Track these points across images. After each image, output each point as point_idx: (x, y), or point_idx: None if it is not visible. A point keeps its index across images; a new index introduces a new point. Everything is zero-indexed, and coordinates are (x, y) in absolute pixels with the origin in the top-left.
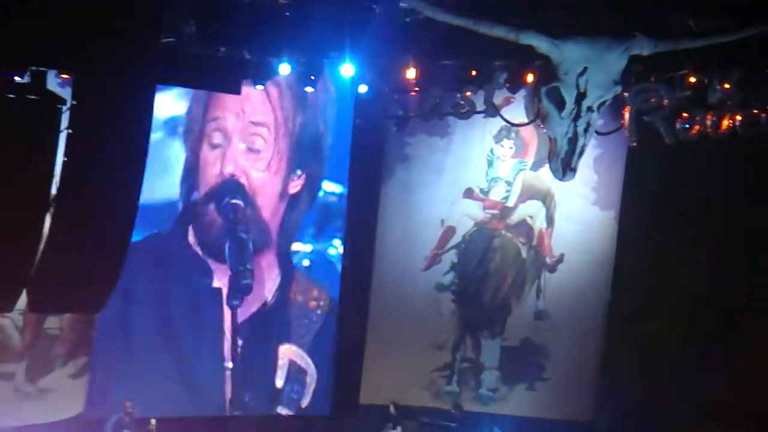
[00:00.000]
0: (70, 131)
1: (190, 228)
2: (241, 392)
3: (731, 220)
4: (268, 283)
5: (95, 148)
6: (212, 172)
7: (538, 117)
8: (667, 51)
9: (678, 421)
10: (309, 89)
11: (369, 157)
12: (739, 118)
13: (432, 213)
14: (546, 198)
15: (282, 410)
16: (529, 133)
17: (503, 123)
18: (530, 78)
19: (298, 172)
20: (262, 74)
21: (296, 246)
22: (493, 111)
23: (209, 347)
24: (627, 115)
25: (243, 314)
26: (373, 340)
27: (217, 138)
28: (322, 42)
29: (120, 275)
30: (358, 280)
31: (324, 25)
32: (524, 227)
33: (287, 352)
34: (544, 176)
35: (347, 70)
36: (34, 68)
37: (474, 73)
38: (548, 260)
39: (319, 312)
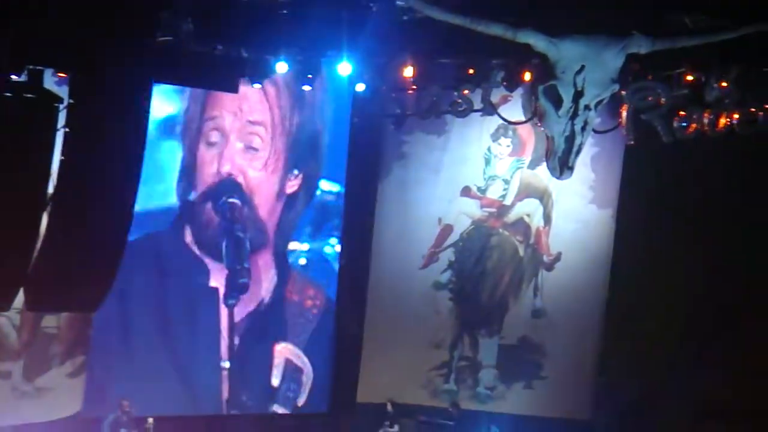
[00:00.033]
0: (67, 130)
1: (187, 227)
2: (238, 391)
3: (728, 218)
4: (265, 282)
5: (92, 147)
6: (209, 171)
7: (535, 115)
8: (665, 49)
9: (675, 420)
10: (306, 88)
11: (366, 156)
12: (736, 116)
13: (429, 211)
14: (543, 196)
15: (278, 409)
16: (527, 132)
17: (500, 121)
18: (527, 76)
19: (295, 171)
20: (259, 73)
21: (293, 245)
22: (490, 109)
23: (206, 346)
24: (624, 114)
25: (239, 313)
26: (371, 338)
27: (214, 137)
28: (319, 40)
29: (117, 274)
30: (356, 279)
31: (321, 23)
32: (522, 225)
33: (283, 351)
34: (542, 174)
35: (344, 68)
36: (31, 67)
37: (471, 71)
38: (546, 258)
39: (315, 311)
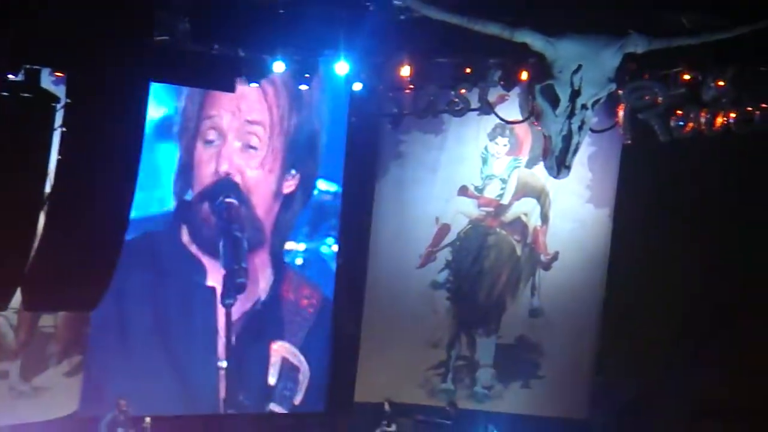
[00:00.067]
0: (64, 129)
1: (184, 226)
2: (235, 390)
3: (725, 217)
4: (262, 281)
5: (89, 147)
6: (207, 171)
7: (532, 115)
8: (662, 49)
9: (672, 419)
10: (303, 87)
11: (363, 155)
12: (733, 115)
13: (426, 211)
14: (540, 196)
15: (275, 407)
16: (524, 131)
17: (498, 121)
18: (524, 76)
19: (293, 171)
20: (256, 72)
21: (290, 245)
22: (487, 109)
23: (203, 346)
24: (621, 113)
25: (236, 312)
26: (368, 337)
27: (211, 136)
28: (316, 40)
29: (114, 273)
30: (353, 278)
31: (318, 22)
32: (519, 225)
33: (280, 350)
34: (539, 174)
35: (342, 68)
36: (28, 66)
37: (468, 70)
38: (543, 258)
39: (311, 310)
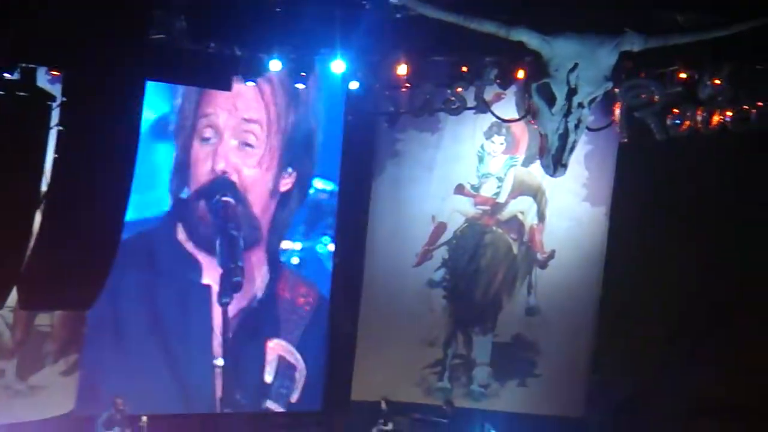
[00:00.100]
0: (60, 128)
1: (180, 225)
2: (232, 389)
3: (722, 216)
4: (258, 279)
5: (85, 145)
6: (203, 169)
7: (528, 113)
8: (658, 47)
9: (669, 417)
10: (300, 86)
11: (360, 154)
12: (729, 113)
13: (423, 209)
14: (537, 194)
15: (271, 405)
16: (520, 130)
17: (494, 119)
18: (521, 74)
19: (289, 170)
20: (252, 71)
21: (286, 244)
22: (483, 107)
23: (199, 344)
24: (618, 111)
25: (232, 310)
26: (365, 336)
27: (208, 134)
28: (312, 38)
29: (110, 272)
30: (349, 277)
31: (314, 21)
32: (515, 223)
33: (276, 348)
34: (535, 172)
35: (338, 66)
36: (24, 65)
37: (465, 69)
38: (539, 256)
39: (307, 308)
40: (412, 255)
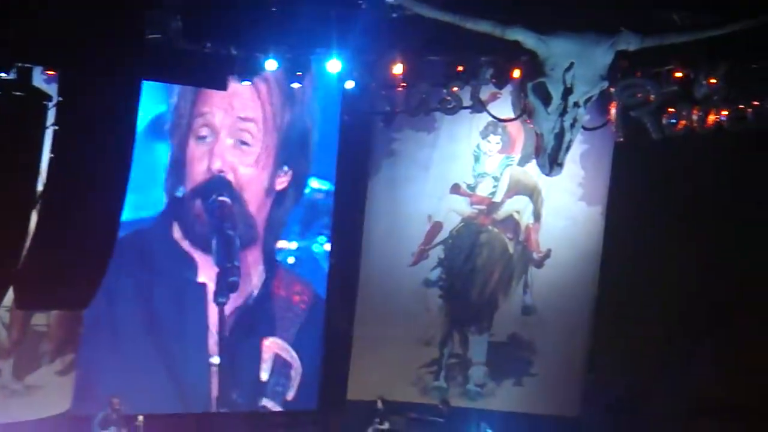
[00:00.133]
0: (56, 128)
1: (175, 223)
2: (228, 387)
3: (718, 215)
4: (254, 277)
5: (82, 145)
6: (199, 168)
7: (524, 112)
8: (654, 46)
9: (669, 417)
10: (296, 85)
11: (356, 153)
12: (725, 113)
13: (419, 209)
14: (533, 193)
15: (267, 402)
16: (516, 129)
17: (490, 118)
18: (517, 73)
19: (285, 168)
20: (248, 70)
21: (282, 243)
22: (479, 106)
23: (195, 343)
24: (613, 111)
25: (228, 308)
26: (361, 336)
27: (204, 132)
28: (308, 38)
29: (106, 271)
30: (346, 277)
31: (310, 20)
32: (511, 223)
33: (272, 346)
34: (531, 172)
35: (334, 66)
36: (19, 64)
37: (460, 68)
38: (535, 255)
39: (303, 306)
40: (408, 254)
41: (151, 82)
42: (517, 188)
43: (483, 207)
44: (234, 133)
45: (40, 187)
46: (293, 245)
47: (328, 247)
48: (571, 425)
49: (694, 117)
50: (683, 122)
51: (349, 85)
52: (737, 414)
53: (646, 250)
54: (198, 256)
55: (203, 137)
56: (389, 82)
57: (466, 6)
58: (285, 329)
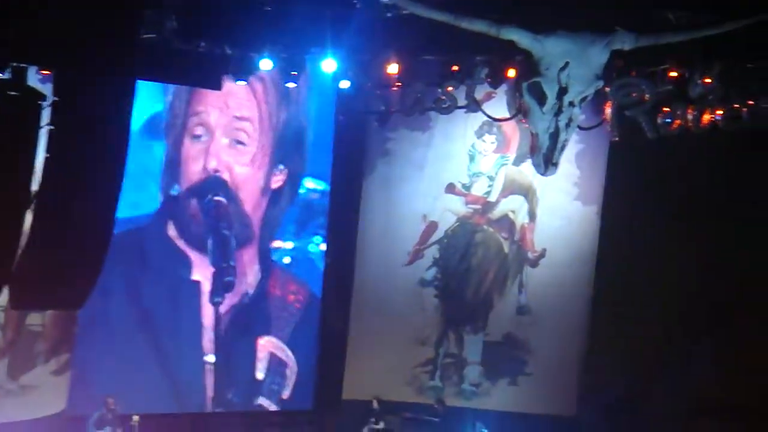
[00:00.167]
0: (51, 127)
1: (171, 221)
2: (223, 386)
3: (713, 214)
4: (249, 277)
5: (76, 145)
6: (195, 168)
7: (519, 112)
8: (649, 46)
9: (669, 417)
10: (291, 85)
11: (351, 153)
12: (720, 112)
13: (414, 208)
14: (528, 193)
15: (263, 401)
16: (511, 128)
17: (485, 118)
18: (512, 73)
19: (281, 167)
20: (243, 70)
21: (277, 243)
22: (474, 106)
23: (191, 343)
24: (608, 110)
25: (223, 306)
26: (356, 335)
27: (199, 131)
28: (303, 37)
29: (101, 271)
30: (341, 276)
31: (305, 20)
32: (506, 222)
33: (267, 345)
34: (526, 171)
35: (329, 65)
36: (14, 64)
37: (455, 68)
38: (530, 255)
39: (298, 305)
40: (403, 254)
41: (146, 82)
42: (512, 188)
43: (478, 206)
44: (229, 132)
45: (35, 187)
46: (289, 245)
47: (323, 246)
48: (567, 424)
49: (689, 116)
50: (678, 122)
51: (344, 84)
52: (737, 414)
53: (641, 250)
54: (194, 255)
55: (198, 136)
56: (384, 82)
57: (461, 5)
58: (280, 328)
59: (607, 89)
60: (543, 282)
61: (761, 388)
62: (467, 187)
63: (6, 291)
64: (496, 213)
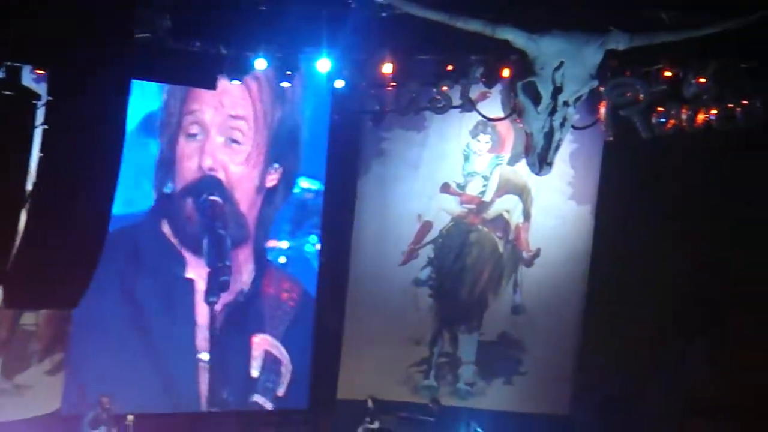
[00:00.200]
0: (45, 127)
1: (165, 220)
2: (219, 385)
3: (707, 214)
4: (244, 275)
5: (70, 144)
6: (190, 166)
7: (514, 112)
8: (643, 45)
9: (664, 417)
10: (285, 85)
11: (345, 153)
12: (714, 112)
13: (409, 208)
14: (523, 192)
15: (258, 399)
16: (506, 128)
17: (479, 118)
18: (506, 73)
19: (275, 165)
20: (238, 69)
21: (272, 243)
22: (469, 106)
23: (186, 341)
24: (603, 110)
25: (218, 306)
26: (351, 335)
27: (194, 131)
28: (298, 37)
29: (95, 270)
30: (335, 276)
31: (300, 20)
32: (501, 222)
33: (262, 343)
34: (521, 171)
35: (323, 65)
36: (8, 63)
37: (450, 67)
38: (525, 255)
39: (291, 303)
40: (398, 254)
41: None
42: (506, 187)
43: (473, 206)
44: (225, 131)
45: (29, 187)
46: (284, 244)
47: (319, 246)
48: (562, 423)
49: (684, 116)
50: (672, 121)
51: (339, 84)
52: (731, 413)
53: (635, 249)
54: (189, 255)
55: (194, 135)
56: (379, 81)
57: (455, 5)
58: (274, 327)
59: (602, 89)
60: (537, 281)
61: (755, 387)
62: (462, 187)
63: (0, 290)
64: (491, 213)
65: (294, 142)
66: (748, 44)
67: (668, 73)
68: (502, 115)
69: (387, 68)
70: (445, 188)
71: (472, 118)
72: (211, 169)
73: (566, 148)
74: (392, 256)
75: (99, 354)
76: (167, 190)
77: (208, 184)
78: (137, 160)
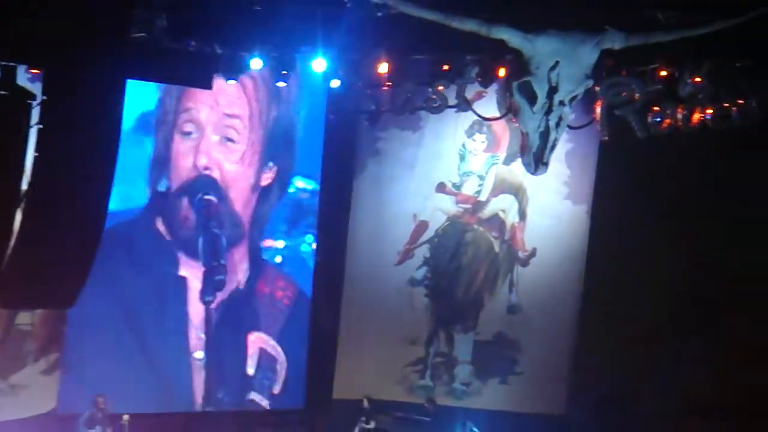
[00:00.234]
0: (40, 127)
1: (159, 219)
2: (215, 384)
3: (703, 213)
4: (239, 274)
5: (66, 144)
6: (185, 165)
7: (510, 111)
8: (639, 45)
9: (659, 416)
10: (281, 84)
11: (341, 153)
12: (709, 111)
13: (404, 208)
14: (518, 192)
15: (254, 396)
16: (501, 128)
17: (475, 117)
18: (502, 72)
19: (270, 164)
20: (233, 69)
21: (268, 242)
22: (465, 105)
23: (181, 340)
24: (598, 109)
25: (213, 304)
26: (347, 335)
27: (189, 129)
28: (293, 37)
29: (91, 270)
30: (331, 276)
31: (295, 19)
32: (497, 221)
33: (257, 341)
34: (517, 170)
35: (319, 64)
36: (3, 63)
37: (446, 67)
38: (521, 254)
39: (286, 301)
40: (393, 253)
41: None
42: (502, 187)
43: (468, 206)
44: (220, 129)
45: (24, 186)
46: (280, 244)
47: (315, 246)
48: (557, 423)
49: (679, 115)
50: (668, 121)
51: (335, 83)
52: (726, 413)
53: (631, 249)
54: (184, 254)
55: (188, 133)
56: (374, 81)
57: (451, 5)
58: (270, 325)
59: (597, 88)
60: (533, 281)
61: (751, 387)
62: (458, 187)
63: None
64: (487, 212)
65: (289, 142)
66: (744, 43)
67: (664, 73)
68: (497, 114)
69: (383, 68)
70: (441, 188)
71: (468, 117)
72: (206, 168)
73: (562, 148)
74: (388, 256)
75: (95, 353)
76: (162, 188)
77: (203, 183)
78: (132, 157)
